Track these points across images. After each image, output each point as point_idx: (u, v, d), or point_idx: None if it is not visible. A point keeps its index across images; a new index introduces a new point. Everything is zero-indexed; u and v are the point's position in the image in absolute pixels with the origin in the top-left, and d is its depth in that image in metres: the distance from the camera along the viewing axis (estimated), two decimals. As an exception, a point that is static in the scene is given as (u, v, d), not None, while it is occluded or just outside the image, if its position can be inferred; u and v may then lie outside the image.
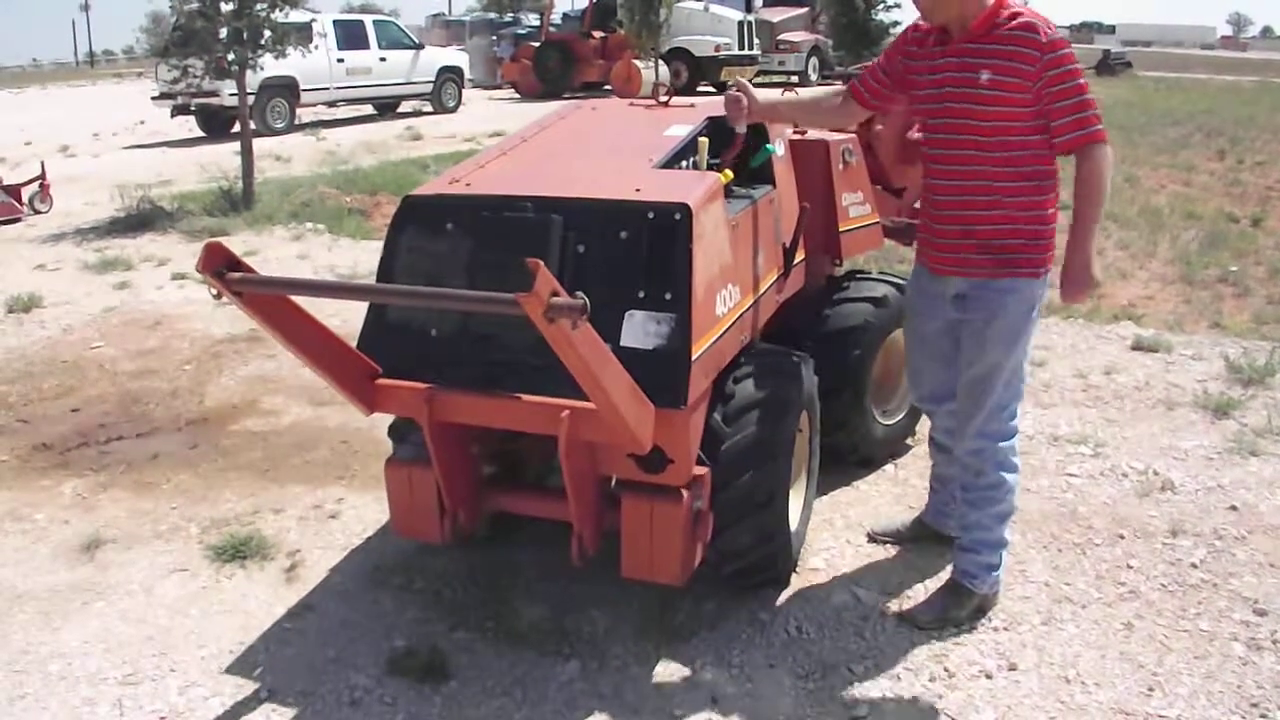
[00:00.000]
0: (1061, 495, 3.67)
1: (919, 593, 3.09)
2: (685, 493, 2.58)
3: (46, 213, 9.32)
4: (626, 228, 2.51)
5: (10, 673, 2.80)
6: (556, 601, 3.04)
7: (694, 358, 2.42)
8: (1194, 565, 3.21)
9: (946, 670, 2.75)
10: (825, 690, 2.67)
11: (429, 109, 18.69)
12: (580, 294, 1.89)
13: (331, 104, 17.37)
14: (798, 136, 3.67)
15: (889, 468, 3.90)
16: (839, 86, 3.09)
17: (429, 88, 18.54)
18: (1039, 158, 2.69)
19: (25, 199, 9.19)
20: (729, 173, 2.89)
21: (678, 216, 2.46)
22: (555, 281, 1.88)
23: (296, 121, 16.17)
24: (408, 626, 2.96)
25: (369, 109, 18.47)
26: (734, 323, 2.74)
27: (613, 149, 3.08)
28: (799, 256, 3.37)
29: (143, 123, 18.15)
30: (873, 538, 3.42)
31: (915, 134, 3.51)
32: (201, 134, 15.83)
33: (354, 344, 2.66)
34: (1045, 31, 2.59)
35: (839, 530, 3.48)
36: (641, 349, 2.43)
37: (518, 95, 21.72)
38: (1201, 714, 2.56)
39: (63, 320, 6.08)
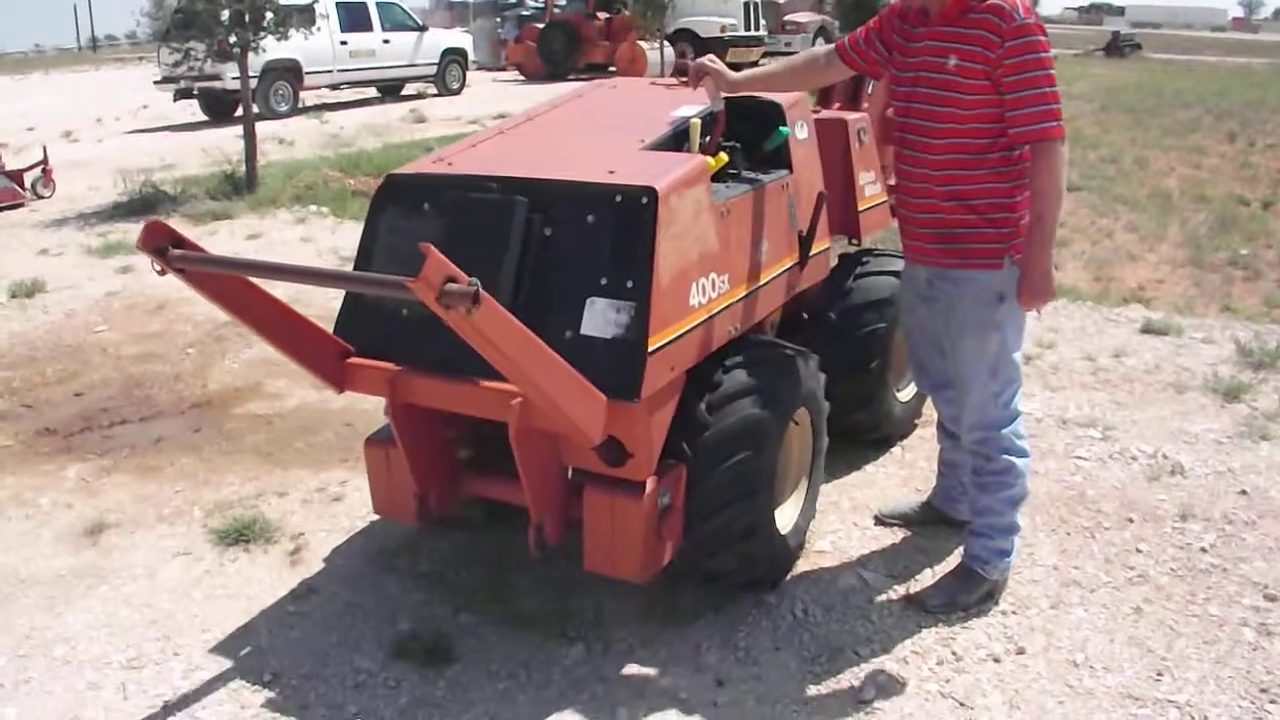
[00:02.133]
0: (1070, 478, 3.64)
1: (926, 577, 3.07)
2: (649, 487, 2.51)
3: (49, 198, 9.29)
4: (593, 211, 2.46)
5: (15, 657, 2.80)
6: (560, 584, 3.02)
7: (651, 350, 2.35)
8: (1204, 550, 3.18)
9: (954, 654, 2.73)
10: (832, 673, 2.66)
11: (433, 91, 18.59)
12: (474, 280, 1.83)
13: (335, 86, 17.27)
14: (816, 115, 3.63)
15: (896, 450, 3.88)
16: (819, 48, 3.03)
17: (433, 70, 18.42)
18: (1005, 147, 2.61)
19: (28, 184, 9.16)
20: (724, 156, 2.81)
21: (644, 201, 2.40)
22: (451, 266, 1.82)
23: (299, 104, 16.09)
24: (412, 610, 2.95)
25: (372, 91, 18.37)
26: (717, 314, 2.65)
27: (612, 129, 3.02)
28: (822, 245, 3.26)
29: (145, 107, 18.06)
30: (880, 520, 3.39)
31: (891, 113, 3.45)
32: (204, 118, 15.75)
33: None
34: (1013, 17, 2.49)
35: (845, 513, 3.46)
36: (600, 338, 2.39)
37: (522, 77, 21.58)
38: (1211, 699, 2.54)
39: (66, 305, 6.06)
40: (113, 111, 17.50)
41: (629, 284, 2.38)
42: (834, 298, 3.60)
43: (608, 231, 2.43)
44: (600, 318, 2.39)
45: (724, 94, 2.95)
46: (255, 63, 10.96)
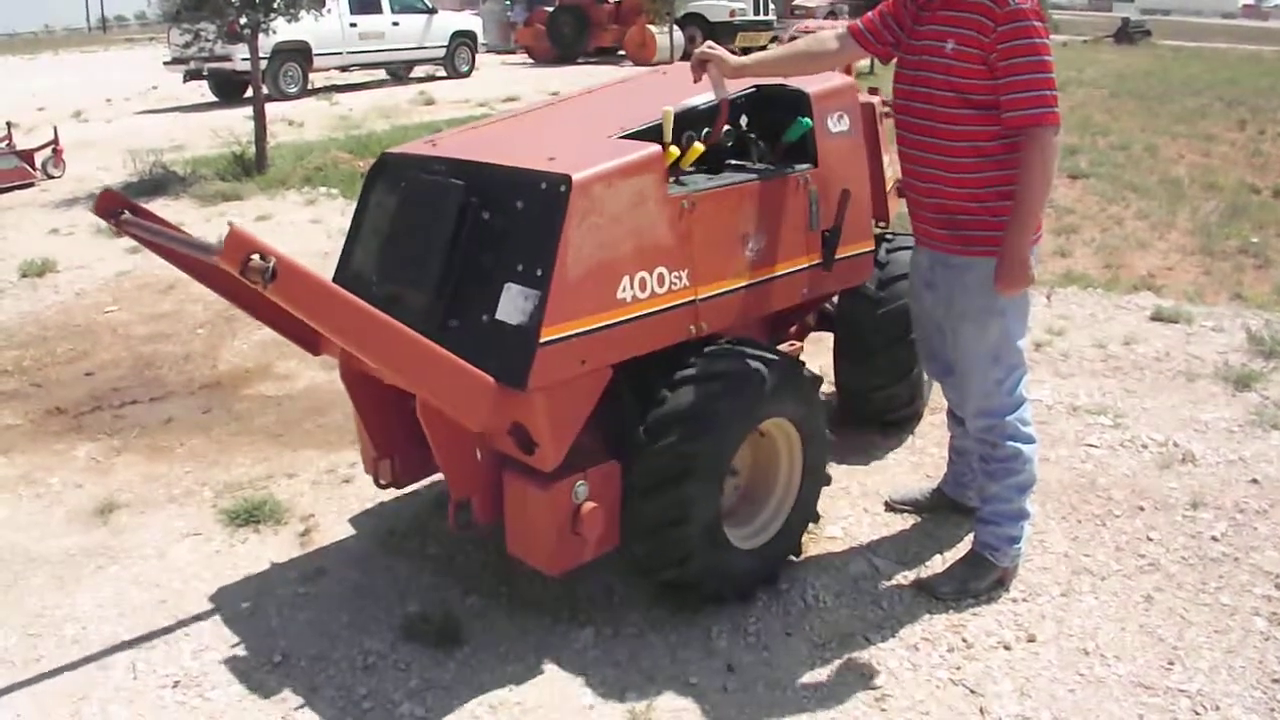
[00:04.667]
0: (1081, 466, 3.63)
1: (937, 563, 3.07)
2: (560, 479, 2.49)
3: (59, 177, 9.29)
4: (521, 197, 2.48)
5: (25, 636, 2.81)
6: (574, 571, 3.01)
7: (547, 340, 2.35)
8: (1215, 538, 3.17)
9: (965, 641, 2.72)
10: (842, 659, 2.66)
11: (442, 74, 18.53)
12: (272, 257, 1.94)
13: (344, 68, 17.21)
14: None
15: (907, 437, 3.86)
16: (829, 32, 2.95)
17: (442, 52, 18.34)
18: (1005, 133, 2.57)
19: (38, 164, 9.16)
20: (698, 147, 2.71)
21: (561, 189, 2.39)
22: (256, 243, 1.94)
23: (309, 86, 16.05)
24: (421, 592, 2.96)
25: (382, 74, 18.32)
26: (665, 310, 2.59)
27: (615, 116, 2.95)
28: (859, 247, 3.14)
29: (155, 88, 18.04)
30: (891, 506, 3.39)
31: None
32: (214, 99, 15.73)
33: None
34: (1007, 1, 2.45)
35: (856, 498, 3.45)
36: (509, 323, 2.41)
37: (531, 60, 21.50)
38: (1222, 689, 2.53)
39: (76, 284, 6.07)
40: (122, 92, 17.48)
41: (538, 272, 2.38)
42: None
43: (531, 218, 2.44)
44: (512, 304, 2.41)
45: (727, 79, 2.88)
46: (265, 44, 10.91)
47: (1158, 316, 5.14)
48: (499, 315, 2.44)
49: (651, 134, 2.73)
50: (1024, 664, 2.64)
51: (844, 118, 3.10)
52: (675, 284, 2.64)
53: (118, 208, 2.46)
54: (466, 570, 3.05)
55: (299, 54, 15.48)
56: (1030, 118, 2.49)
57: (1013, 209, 2.57)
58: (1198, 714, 2.45)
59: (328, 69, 16.75)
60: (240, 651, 2.72)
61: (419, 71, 18.72)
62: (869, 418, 3.83)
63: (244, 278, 1.94)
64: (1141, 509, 3.34)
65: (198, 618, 2.87)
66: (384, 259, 2.73)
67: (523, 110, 3.17)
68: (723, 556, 2.75)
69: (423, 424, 2.49)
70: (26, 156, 9.01)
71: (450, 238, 2.53)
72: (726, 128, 2.92)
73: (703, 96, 2.93)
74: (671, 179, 2.69)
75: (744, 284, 2.83)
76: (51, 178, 9.22)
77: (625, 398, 2.69)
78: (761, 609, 2.85)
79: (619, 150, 2.58)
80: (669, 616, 2.82)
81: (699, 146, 2.74)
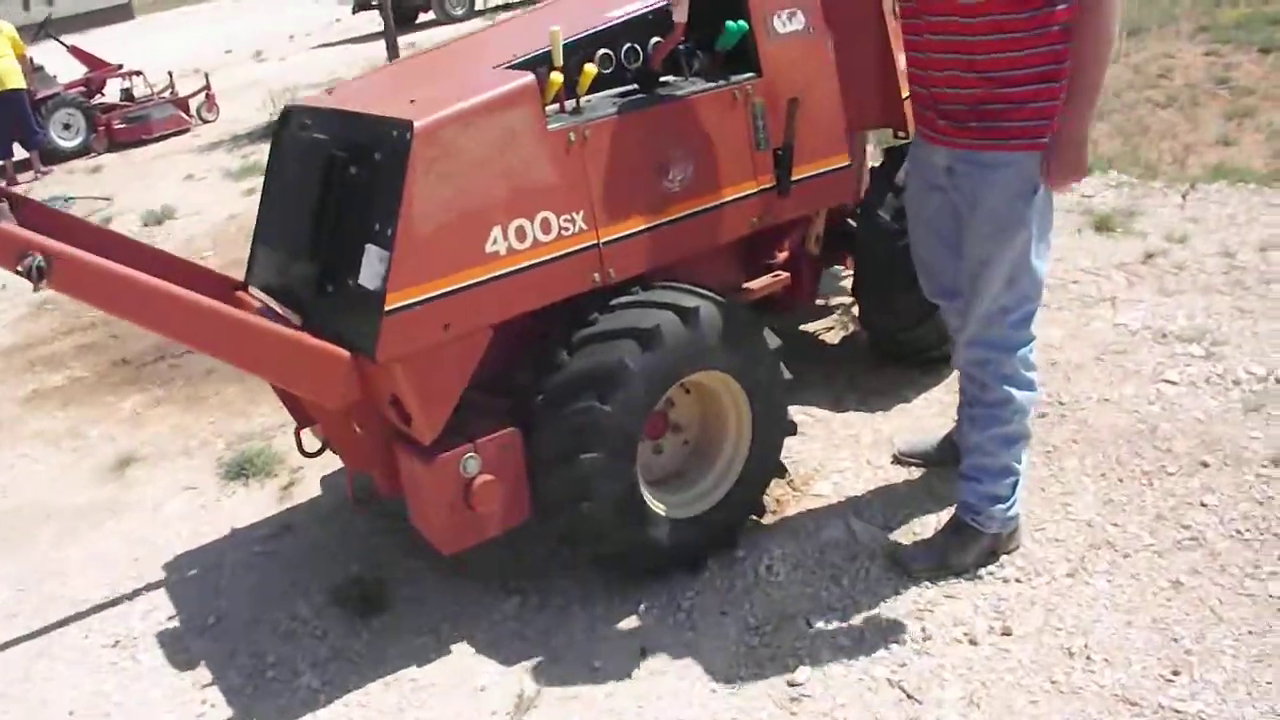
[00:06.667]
0: (1145, 408, 3.00)
1: (929, 528, 2.64)
2: (442, 452, 2.29)
3: (213, 121, 9.86)
4: (379, 148, 2.22)
5: (14, 591, 2.99)
6: (520, 532, 2.82)
7: (397, 306, 2.12)
8: (1293, 506, 2.53)
9: (924, 631, 2.32)
10: (771, 648, 2.34)
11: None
12: (36, 253, 1.92)
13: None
14: None
15: (949, 374, 3.34)
16: None
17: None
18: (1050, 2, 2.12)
19: (193, 110, 9.74)
20: (590, 69, 2.35)
21: (406, 137, 2.12)
22: (23, 241, 1.92)
23: (474, 8, 16.14)
24: (367, 553, 2.88)
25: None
26: (557, 258, 2.31)
27: (518, 42, 2.60)
28: (829, 163, 2.73)
29: (339, 20, 18.79)
30: (898, 459, 2.96)
31: None
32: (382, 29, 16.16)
33: None
34: None
35: (863, 448, 3.04)
36: (368, 288, 2.19)
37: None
38: (1232, 712, 2.01)
39: (188, 231, 6.41)
40: (306, 28, 18.33)
41: (389, 231, 2.13)
42: (886, 195, 3.10)
43: (384, 172, 2.20)
44: (370, 267, 2.19)
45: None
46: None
47: (1323, 213, 4.18)
48: (361, 279, 2.24)
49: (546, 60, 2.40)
50: (986, 665, 2.21)
51: (797, 15, 2.60)
52: (567, 229, 2.33)
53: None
54: (413, 531, 2.93)
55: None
56: None
57: (1071, 89, 2.16)
58: (1185, 742, 1.97)
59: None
60: (182, 613, 2.77)
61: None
62: (897, 357, 3.35)
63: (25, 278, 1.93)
64: (1205, 465, 2.72)
65: (160, 576, 2.94)
66: (273, 221, 2.64)
67: (453, 40, 2.92)
68: (647, 531, 2.48)
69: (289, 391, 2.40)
70: (181, 104, 9.61)
71: (319, 196, 2.37)
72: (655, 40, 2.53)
73: (639, 7, 2.56)
74: (569, 108, 2.37)
75: (665, 220, 2.47)
76: (206, 122, 9.80)
77: (527, 358, 2.44)
78: (705, 580, 2.57)
79: (485, 84, 2.27)
80: (604, 586, 2.59)
81: (590, 70, 2.37)
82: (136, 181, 8.12)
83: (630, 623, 2.48)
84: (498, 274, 2.26)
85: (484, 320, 2.29)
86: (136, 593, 2.89)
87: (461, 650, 2.48)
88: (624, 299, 2.42)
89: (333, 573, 2.82)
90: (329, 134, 2.44)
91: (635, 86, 2.52)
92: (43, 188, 9.06)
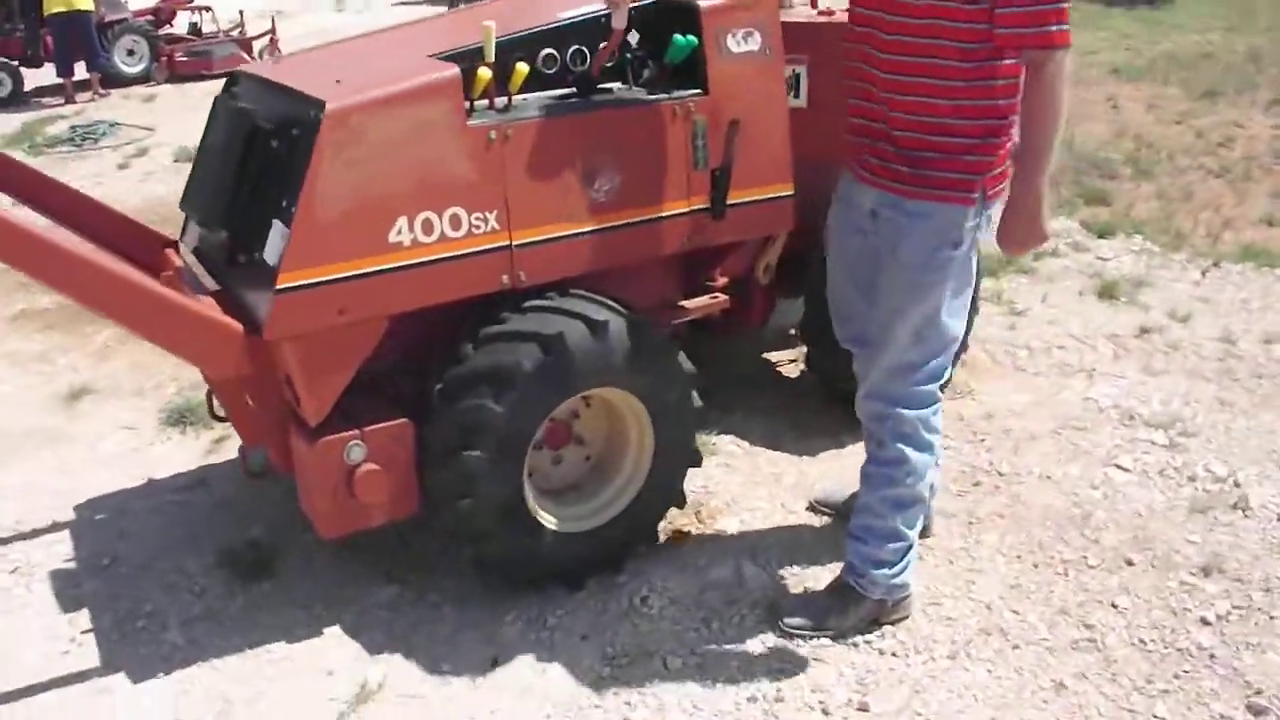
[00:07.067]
0: (1086, 492, 2.85)
1: (821, 584, 2.54)
2: (324, 435, 2.26)
3: (278, 67, 10.03)
4: (298, 125, 2.22)
5: (-60, 511, 3.05)
6: (417, 524, 2.78)
7: (283, 286, 2.12)
8: (1205, 621, 2.36)
9: (778, 692, 2.23)
10: (620, 681, 2.27)
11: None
12: None
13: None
14: (824, 19, 3.01)
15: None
16: None
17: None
18: (993, 55, 2.03)
19: (255, 52, 9.92)
20: (522, 69, 2.32)
21: (318, 118, 2.11)
22: None
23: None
24: (271, 517, 2.88)
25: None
26: (465, 256, 2.27)
27: (461, 32, 2.54)
28: (767, 192, 2.61)
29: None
30: (812, 506, 2.86)
31: None
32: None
33: None
34: None
35: (782, 489, 2.95)
36: (269, 264, 2.18)
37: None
38: (1064, 829, 1.89)
39: (221, 173, 6.50)
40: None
41: (292, 210, 2.12)
42: None
43: (297, 149, 2.20)
44: (273, 243, 2.19)
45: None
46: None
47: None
48: (265, 254, 2.25)
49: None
50: (828, 738, 2.12)
51: (753, 35, 2.50)
52: (478, 227, 2.29)
53: None
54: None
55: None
56: (1034, 37, 1.96)
57: (1020, 153, 2.07)
58: None
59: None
60: (80, 552, 2.80)
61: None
62: (845, 402, 3.23)
63: None
64: (1130, 563, 2.57)
65: (75, 513, 2.98)
66: (199, 185, 2.65)
67: (411, 22, 2.90)
68: (532, 540, 2.43)
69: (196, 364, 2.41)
70: (245, 45, 9.80)
71: (238, 165, 2.39)
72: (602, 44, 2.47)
73: (591, 10, 2.50)
74: (499, 106, 2.32)
75: (587, 230, 2.41)
76: (271, 68, 9.97)
77: (430, 352, 2.41)
78: (578, 601, 2.51)
79: (409, 73, 2.24)
80: (482, 592, 2.55)
81: (522, 69, 2.32)
82: (185, 115, 8.28)
83: (492, 630, 2.44)
84: (400, 265, 2.23)
85: (382, 309, 2.26)
86: (50, 525, 2.94)
87: (328, 631, 2.47)
88: (537, 303, 2.37)
89: (231, 533, 2.83)
90: (258, 105, 2.45)
91: (573, 90, 2.46)
92: (95, 110, 9.36)
